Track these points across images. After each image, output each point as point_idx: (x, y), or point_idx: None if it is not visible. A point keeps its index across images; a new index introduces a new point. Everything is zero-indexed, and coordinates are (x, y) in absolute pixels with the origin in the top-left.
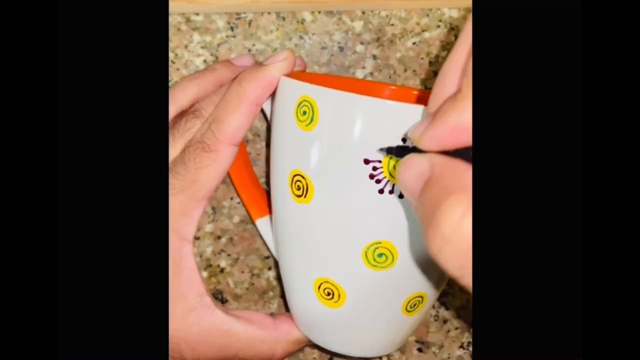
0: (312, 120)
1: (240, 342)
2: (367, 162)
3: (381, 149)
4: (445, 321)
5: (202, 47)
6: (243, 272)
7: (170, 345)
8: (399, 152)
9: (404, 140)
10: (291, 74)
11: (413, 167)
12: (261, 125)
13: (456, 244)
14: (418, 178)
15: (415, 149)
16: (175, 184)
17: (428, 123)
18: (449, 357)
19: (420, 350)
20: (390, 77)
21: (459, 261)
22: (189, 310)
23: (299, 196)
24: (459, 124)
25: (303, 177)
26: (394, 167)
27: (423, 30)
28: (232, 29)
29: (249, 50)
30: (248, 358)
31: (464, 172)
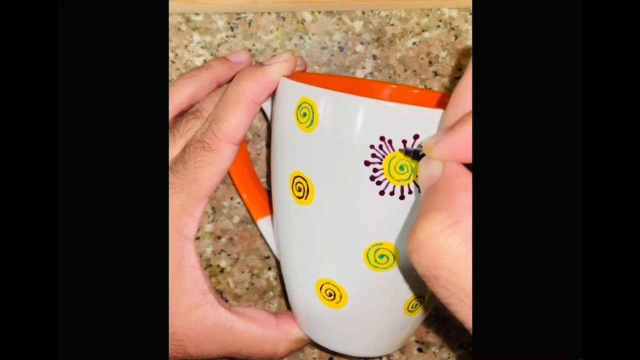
0: (312, 122)
1: (243, 340)
2: (367, 163)
3: (400, 150)
4: (445, 321)
5: (202, 47)
6: (243, 272)
7: (175, 342)
8: (415, 155)
9: (404, 142)
10: (291, 75)
11: (428, 167)
12: (261, 125)
13: (423, 255)
14: (428, 178)
15: None
16: (175, 182)
17: (442, 135)
18: (449, 357)
19: (420, 350)
20: (390, 77)
21: (422, 268)
22: (193, 307)
23: (300, 198)
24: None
25: (304, 179)
26: (395, 168)
27: (423, 30)
28: (232, 29)
29: (249, 51)
30: (251, 355)
31: (461, 191)
